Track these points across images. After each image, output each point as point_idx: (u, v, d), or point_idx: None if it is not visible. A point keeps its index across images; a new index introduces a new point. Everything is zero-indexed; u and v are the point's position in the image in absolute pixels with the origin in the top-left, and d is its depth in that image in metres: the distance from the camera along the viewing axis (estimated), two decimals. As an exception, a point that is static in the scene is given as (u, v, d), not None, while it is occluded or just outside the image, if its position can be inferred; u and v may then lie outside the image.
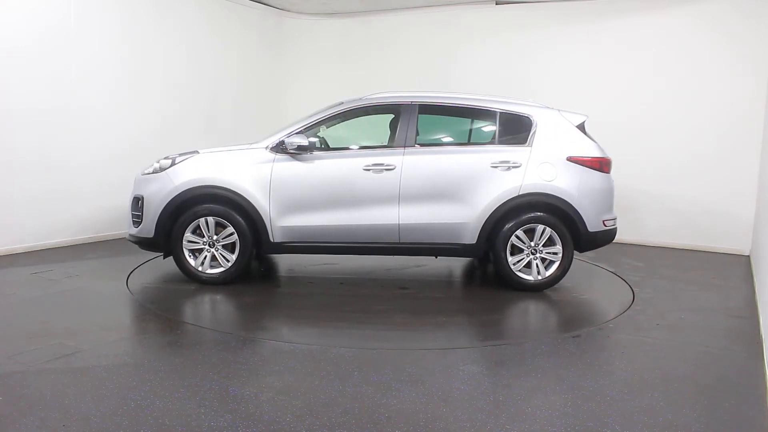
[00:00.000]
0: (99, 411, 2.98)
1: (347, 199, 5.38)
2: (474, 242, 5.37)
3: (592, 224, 5.41)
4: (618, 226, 5.77)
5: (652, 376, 3.65)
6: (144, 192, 5.44)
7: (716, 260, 7.25)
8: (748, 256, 7.45)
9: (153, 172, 5.50)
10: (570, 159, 5.42)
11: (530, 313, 4.94)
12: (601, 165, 5.52)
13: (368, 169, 5.38)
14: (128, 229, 5.66)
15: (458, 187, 5.37)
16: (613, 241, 5.79)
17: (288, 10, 9.75)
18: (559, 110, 5.65)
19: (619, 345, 4.30)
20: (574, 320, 4.88)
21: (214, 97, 8.74)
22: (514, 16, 8.64)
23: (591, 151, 5.50)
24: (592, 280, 6.13)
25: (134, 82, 7.56)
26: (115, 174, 7.40)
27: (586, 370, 3.71)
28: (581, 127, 5.61)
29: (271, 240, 5.41)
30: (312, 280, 6.00)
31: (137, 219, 5.48)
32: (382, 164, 5.38)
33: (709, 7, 7.58)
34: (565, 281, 5.74)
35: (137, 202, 5.49)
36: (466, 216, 5.36)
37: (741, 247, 7.58)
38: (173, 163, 5.45)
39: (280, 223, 5.38)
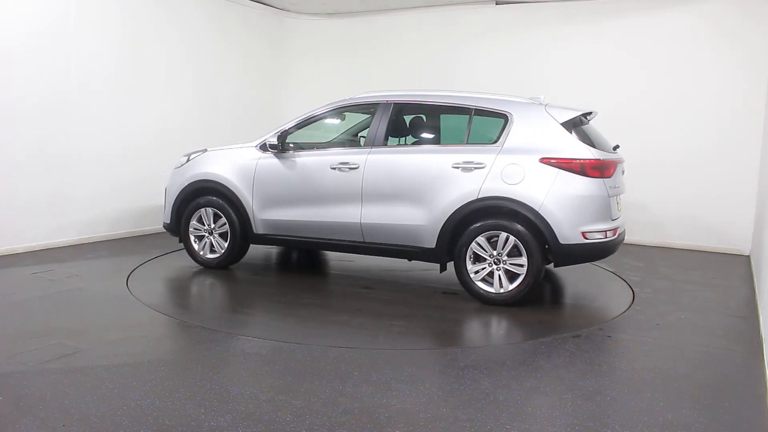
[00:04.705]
0: (99, 411, 2.98)
1: (315, 196, 5.55)
2: (433, 246, 5.11)
3: (566, 235, 4.77)
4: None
5: (652, 376, 3.65)
6: (168, 184, 6.23)
7: (716, 260, 7.25)
8: (748, 256, 7.44)
9: (178, 167, 6.21)
10: (543, 160, 4.86)
11: (530, 313, 4.93)
12: (584, 168, 4.81)
13: (335, 168, 5.44)
14: None
15: (417, 188, 5.14)
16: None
17: (288, 10, 9.76)
18: (545, 106, 5.12)
19: (619, 345, 4.30)
20: (574, 320, 4.88)
21: (214, 97, 8.74)
22: (514, 16, 8.64)
23: (572, 152, 4.85)
24: (592, 280, 6.12)
25: (134, 83, 7.56)
26: (115, 174, 7.41)
27: (586, 370, 3.71)
28: (568, 125, 4.98)
29: (255, 231, 5.82)
30: (327, 279, 6.00)
31: (164, 207, 6.23)
32: (347, 163, 5.41)
33: (710, 7, 7.58)
34: (565, 281, 5.74)
35: (165, 193, 6.24)
36: (424, 218, 5.12)
37: (741, 247, 7.58)
38: (188, 160, 6.17)
39: (260, 216, 5.76)
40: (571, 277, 6.12)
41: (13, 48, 6.27)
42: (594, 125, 5.54)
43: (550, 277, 6.13)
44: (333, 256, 6.86)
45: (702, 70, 7.65)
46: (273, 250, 7.07)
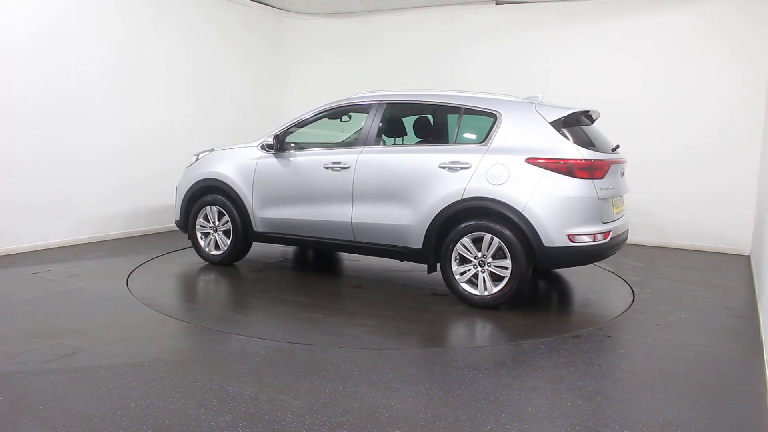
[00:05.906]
0: (99, 411, 2.98)
1: (310, 195, 5.62)
2: (420, 247, 5.09)
3: (550, 238, 4.63)
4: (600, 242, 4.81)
5: (652, 376, 3.65)
6: (178, 183, 6.42)
7: (716, 260, 7.25)
8: (748, 256, 7.44)
9: (189, 166, 6.40)
10: (529, 160, 4.74)
11: (529, 313, 4.93)
12: (572, 168, 4.66)
13: (328, 168, 5.49)
14: None
15: (405, 188, 5.13)
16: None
17: (288, 10, 9.75)
18: (535, 105, 5.02)
19: (619, 345, 4.30)
20: (574, 320, 4.88)
21: (214, 96, 8.74)
22: (514, 16, 8.64)
23: (559, 152, 4.71)
24: (592, 280, 6.12)
25: (134, 83, 7.56)
26: (115, 174, 7.41)
27: (586, 370, 3.71)
28: (558, 124, 4.85)
29: (255, 229, 5.94)
30: (326, 279, 6.01)
31: (175, 205, 6.41)
32: (339, 162, 5.46)
33: (710, 7, 7.57)
34: (565, 281, 5.73)
35: (176, 191, 6.42)
36: (411, 218, 5.10)
37: (741, 247, 7.58)
38: (197, 159, 6.37)
39: (259, 214, 5.88)
40: (571, 277, 6.12)
41: (13, 48, 6.27)
42: (595, 125, 5.52)
43: (550, 277, 6.13)
44: (343, 255, 6.87)
45: (702, 70, 7.64)
46: (288, 248, 7.07)
